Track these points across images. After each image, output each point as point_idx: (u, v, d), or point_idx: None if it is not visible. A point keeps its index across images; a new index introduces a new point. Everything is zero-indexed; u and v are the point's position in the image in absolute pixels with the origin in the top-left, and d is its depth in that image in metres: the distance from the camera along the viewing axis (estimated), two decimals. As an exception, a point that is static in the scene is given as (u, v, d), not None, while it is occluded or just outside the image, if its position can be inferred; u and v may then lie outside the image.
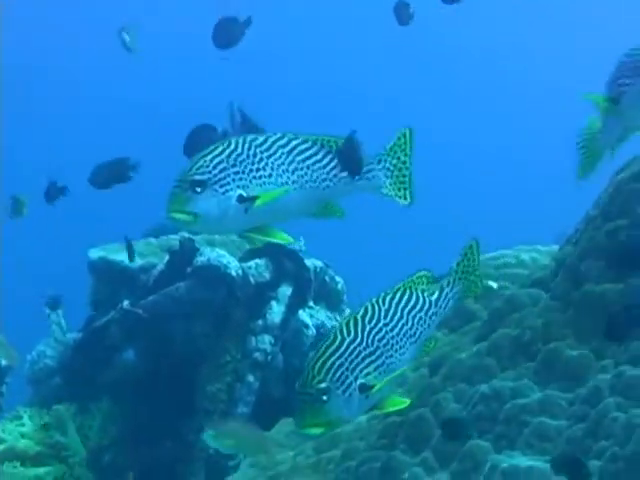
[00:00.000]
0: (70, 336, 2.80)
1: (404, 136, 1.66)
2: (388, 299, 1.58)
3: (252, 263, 2.68)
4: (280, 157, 1.55)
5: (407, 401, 1.58)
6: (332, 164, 1.58)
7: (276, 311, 2.66)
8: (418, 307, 1.60)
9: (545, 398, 1.67)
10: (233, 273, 2.56)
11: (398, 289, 1.61)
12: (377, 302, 1.57)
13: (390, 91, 10.13)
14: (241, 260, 2.65)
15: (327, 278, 2.84)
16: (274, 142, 1.55)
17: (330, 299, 2.84)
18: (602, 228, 1.79)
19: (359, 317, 1.54)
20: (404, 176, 1.64)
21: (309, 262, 2.77)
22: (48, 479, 2.44)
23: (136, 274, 2.75)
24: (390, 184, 1.64)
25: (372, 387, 1.49)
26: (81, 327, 2.79)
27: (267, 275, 2.68)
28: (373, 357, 1.52)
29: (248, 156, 1.53)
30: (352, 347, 1.50)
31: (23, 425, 2.54)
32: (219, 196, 1.49)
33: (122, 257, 2.79)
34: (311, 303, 2.75)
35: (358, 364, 1.50)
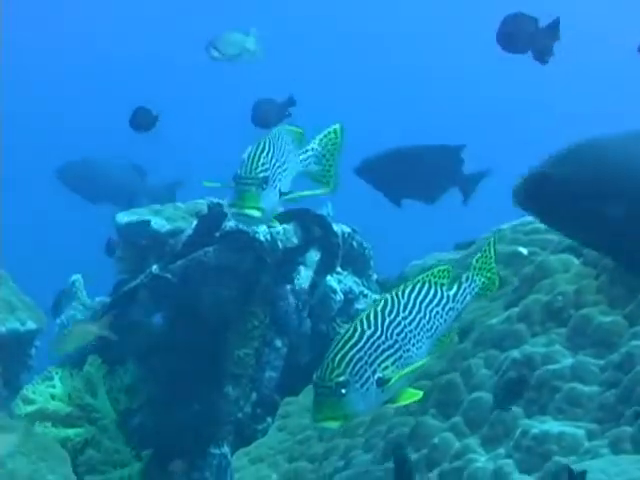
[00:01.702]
0: (99, 300, 2.82)
1: (335, 131, 1.77)
2: (407, 292, 1.57)
3: (280, 228, 2.68)
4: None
5: (420, 393, 1.57)
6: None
7: (304, 276, 2.66)
8: (436, 301, 1.60)
9: (577, 364, 1.67)
10: (261, 238, 2.56)
11: (417, 282, 1.60)
12: (397, 295, 1.56)
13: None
14: (269, 225, 2.65)
15: (355, 244, 2.84)
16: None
17: (357, 265, 2.84)
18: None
19: (379, 310, 1.53)
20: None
21: (337, 227, 2.76)
22: (78, 440, 2.46)
23: (164, 238, 2.75)
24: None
25: (389, 381, 1.49)
26: (110, 292, 2.81)
27: (295, 240, 2.67)
28: (391, 351, 1.51)
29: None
30: (372, 340, 1.49)
31: (54, 387, 2.57)
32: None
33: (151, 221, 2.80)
34: (339, 269, 2.75)
35: (377, 357, 1.49)
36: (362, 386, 1.47)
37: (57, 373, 2.59)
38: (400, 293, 1.57)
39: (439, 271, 1.62)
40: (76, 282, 2.95)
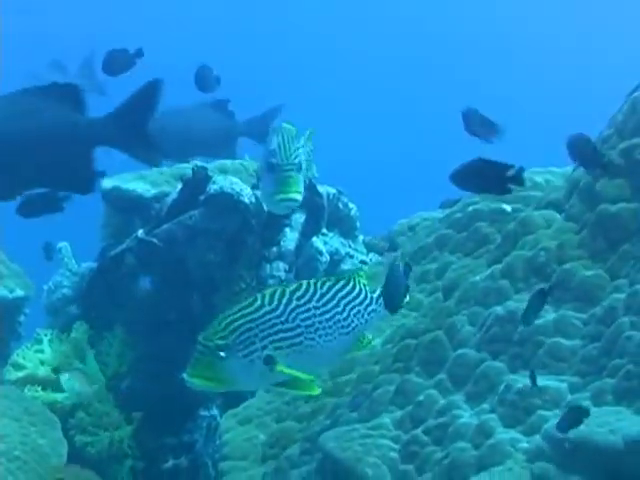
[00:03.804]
0: (85, 266, 2.82)
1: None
2: (329, 285, 1.56)
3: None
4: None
5: (318, 390, 1.56)
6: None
7: (290, 238, 2.66)
8: (359, 300, 1.59)
9: (559, 318, 1.68)
10: (246, 200, 2.55)
11: (342, 278, 1.59)
12: (315, 284, 1.55)
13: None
14: (254, 188, 2.64)
15: (340, 205, 2.83)
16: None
17: (344, 226, 2.84)
18: (617, 147, 1.77)
19: (288, 291, 1.52)
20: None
21: (322, 189, 2.76)
22: (67, 403, 2.47)
23: (149, 203, 2.75)
24: None
25: (276, 362, 1.47)
26: (96, 257, 2.81)
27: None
28: (290, 334, 1.50)
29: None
30: (269, 317, 1.48)
31: (42, 352, 2.57)
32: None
33: (135, 186, 2.79)
34: (324, 230, 2.75)
35: (270, 335, 1.48)
36: (245, 357, 1.47)
37: (46, 335, 2.59)
38: (320, 283, 1.55)
39: (359, 271, 1.62)
40: (63, 249, 2.94)
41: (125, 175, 2.89)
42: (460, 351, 1.77)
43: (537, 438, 1.54)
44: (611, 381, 1.55)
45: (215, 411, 2.51)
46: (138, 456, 2.48)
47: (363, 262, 2.73)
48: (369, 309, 1.60)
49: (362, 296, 1.60)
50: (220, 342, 1.45)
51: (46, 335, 2.60)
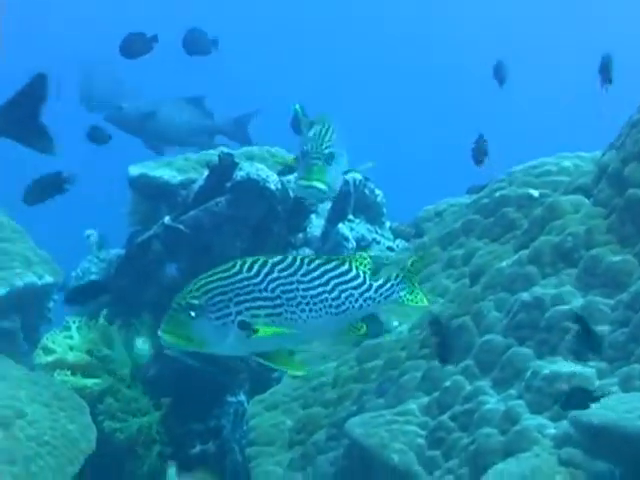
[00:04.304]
0: (113, 252, 2.83)
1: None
2: (317, 262, 1.55)
3: (291, 177, 2.67)
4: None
5: (302, 369, 1.57)
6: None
7: (316, 224, 2.66)
8: (353, 284, 1.57)
9: (587, 304, 1.67)
10: (272, 187, 2.55)
11: (336, 259, 1.57)
12: (301, 259, 1.54)
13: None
14: (280, 174, 2.64)
15: (367, 191, 2.83)
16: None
17: (370, 212, 2.83)
18: (647, 131, 1.76)
19: (270, 261, 1.52)
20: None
21: (348, 175, 2.75)
22: (96, 389, 2.49)
23: (176, 190, 2.75)
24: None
25: (256, 330, 1.47)
26: (123, 244, 2.82)
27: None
28: (268, 303, 1.49)
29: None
30: (246, 282, 1.49)
31: (71, 337, 2.59)
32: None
33: (162, 173, 2.80)
34: (351, 216, 2.74)
35: (246, 301, 1.48)
36: (218, 319, 1.47)
37: (74, 322, 2.61)
38: (307, 260, 1.54)
39: (360, 257, 1.60)
40: (91, 236, 2.95)
41: (152, 162, 2.90)
42: (487, 337, 1.76)
43: (564, 424, 1.53)
44: (639, 367, 1.54)
45: (242, 397, 2.51)
46: (166, 442, 2.49)
47: (390, 248, 2.72)
48: (365, 295, 1.58)
49: (358, 281, 1.58)
50: (193, 301, 1.46)
51: (74, 322, 2.61)
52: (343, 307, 1.56)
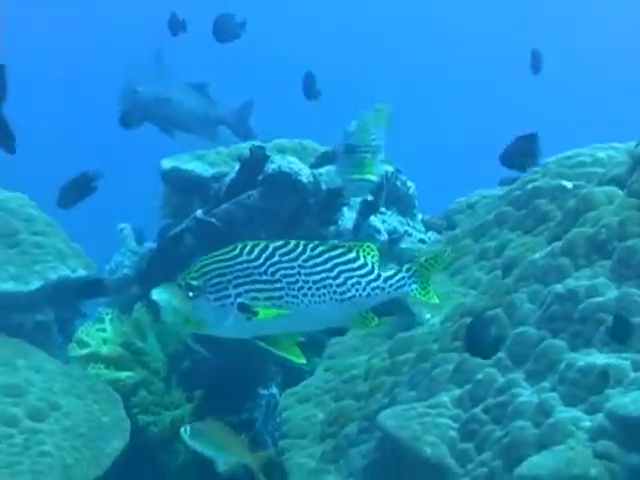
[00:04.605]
0: (146, 245, 2.84)
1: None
2: (321, 249, 1.54)
3: (323, 169, 2.67)
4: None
5: (303, 360, 1.55)
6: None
7: (348, 217, 2.65)
8: (360, 272, 1.55)
9: (621, 296, 1.65)
10: (304, 180, 2.55)
11: (343, 246, 1.56)
12: (305, 245, 1.53)
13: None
14: (312, 166, 2.64)
15: (399, 183, 2.82)
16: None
17: (402, 204, 2.82)
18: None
19: (272, 246, 1.51)
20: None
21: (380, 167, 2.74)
22: (129, 382, 2.50)
23: (208, 183, 2.76)
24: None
25: (255, 313, 1.48)
26: (155, 237, 2.83)
27: (339, 181, 2.67)
28: (268, 286, 1.50)
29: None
30: (245, 265, 1.49)
31: (104, 330, 2.61)
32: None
33: (194, 166, 2.81)
34: (383, 208, 2.73)
35: (245, 283, 1.49)
36: (217, 300, 1.48)
37: (107, 314, 2.63)
38: (312, 246, 1.53)
39: (367, 246, 1.57)
40: (124, 230, 2.97)
41: (183, 155, 2.91)
42: (520, 329, 1.75)
43: (599, 417, 1.52)
44: (675, 359, 1.52)
45: (274, 390, 2.52)
46: (199, 434, 2.50)
47: (421, 241, 2.71)
48: (373, 284, 1.56)
49: (366, 269, 1.56)
50: (192, 282, 1.48)
51: (107, 314, 2.63)
52: (348, 294, 1.54)
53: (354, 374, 2.13)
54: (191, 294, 1.48)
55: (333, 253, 1.54)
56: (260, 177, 2.57)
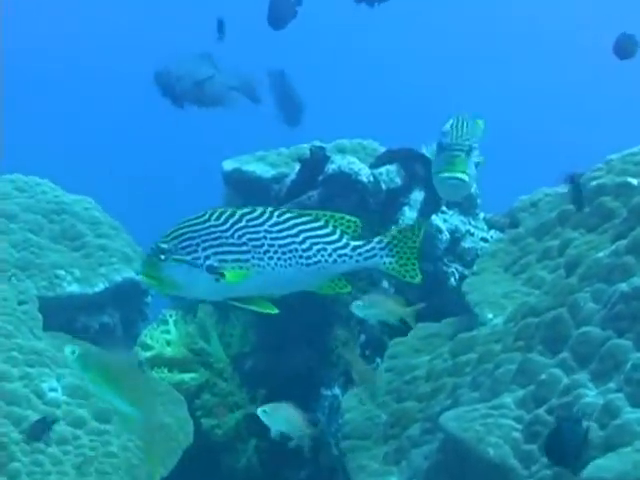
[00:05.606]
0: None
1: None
2: (287, 216, 1.58)
3: (383, 169, 2.66)
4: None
5: (274, 310, 1.58)
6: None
7: (409, 217, 2.64)
8: (327, 239, 1.59)
9: (689, 294, 1.61)
10: (364, 180, 2.54)
11: (310, 214, 1.60)
12: (271, 212, 1.58)
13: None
14: (372, 166, 2.63)
15: (460, 182, 2.79)
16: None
17: (464, 203, 2.80)
18: None
19: (239, 212, 1.57)
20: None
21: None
22: (193, 383, 2.52)
23: (269, 184, 2.77)
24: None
25: (222, 274, 1.54)
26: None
27: (399, 181, 2.65)
28: (235, 249, 1.55)
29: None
30: (213, 229, 1.56)
31: (168, 332, 2.63)
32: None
33: (255, 168, 2.82)
34: (444, 208, 2.71)
35: (212, 246, 1.55)
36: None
37: (171, 316, 2.65)
38: (278, 213, 1.59)
39: (347, 220, 1.60)
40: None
41: (245, 157, 2.92)
42: (584, 329, 1.72)
43: (667, 418, 1.48)
44: None
45: (337, 390, 2.52)
46: (263, 435, 2.51)
47: (484, 239, 2.69)
48: (340, 252, 1.59)
49: (334, 237, 1.59)
50: (162, 245, 1.55)
51: (171, 316, 2.65)
52: (314, 259, 1.59)
53: (416, 375, 2.12)
54: (162, 256, 1.54)
55: (299, 220, 1.59)
56: (320, 177, 2.57)
